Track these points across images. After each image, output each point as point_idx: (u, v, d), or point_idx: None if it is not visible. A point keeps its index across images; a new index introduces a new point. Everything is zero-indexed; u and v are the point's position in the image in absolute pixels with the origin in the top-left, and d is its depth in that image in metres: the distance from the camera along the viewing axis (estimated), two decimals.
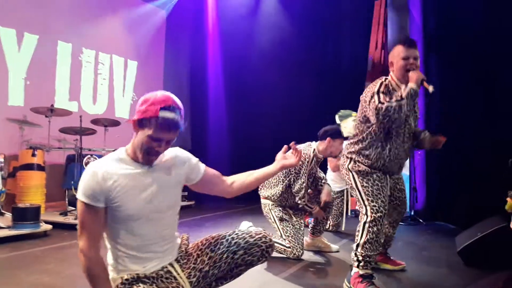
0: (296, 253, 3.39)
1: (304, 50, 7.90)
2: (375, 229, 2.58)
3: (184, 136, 8.45)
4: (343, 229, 4.75)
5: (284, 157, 2.07)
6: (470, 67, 5.46)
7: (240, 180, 2.04)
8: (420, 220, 5.50)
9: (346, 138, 3.65)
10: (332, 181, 4.88)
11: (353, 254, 2.67)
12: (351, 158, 2.76)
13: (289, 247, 3.42)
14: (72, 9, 6.31)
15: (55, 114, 5.05)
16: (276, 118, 8.18)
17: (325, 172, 5.01)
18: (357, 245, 2.63)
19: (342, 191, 4.80)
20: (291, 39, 8.05)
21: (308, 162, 3.56)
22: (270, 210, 3.66)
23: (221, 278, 1.93)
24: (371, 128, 2.67)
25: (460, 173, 5.54)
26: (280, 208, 3.64)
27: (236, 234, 1.92)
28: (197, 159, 1.97)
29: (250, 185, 2.05)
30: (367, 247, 2.60)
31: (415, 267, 3.27)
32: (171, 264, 1.83)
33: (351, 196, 5.01)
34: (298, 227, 3.54)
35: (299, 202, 3.60)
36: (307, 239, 3.79)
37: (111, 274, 1.75)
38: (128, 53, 7.38)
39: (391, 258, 3.22)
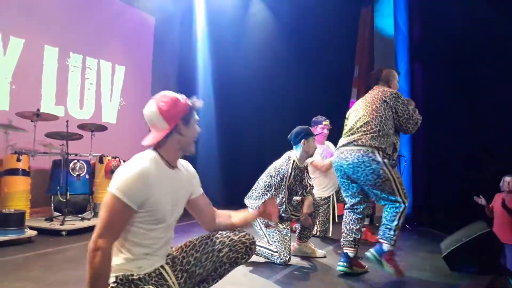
0: (283, 258, 3.40)
1: (291, 56, 7.94)
2: (405, 213, 3.00)
3: None
4: (330, 234, 4.76)
5: (264, 210, 2.19)
6: (454, 74, 5.57)
7: (224, 222, 2.09)
8: (406, 226, 5.54)
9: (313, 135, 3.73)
10: (319, 187, 4.89)
11: (391, 233, 2.97)
12: (379, 149, 2.96)
13: (276, 252, 3.42)
14: (59, 13, 6.27)
15: (41, 119, 4.99)
16: (264, 122, 8.24)
17: None
18: (396, 227, 2.96)
19: (329, 197, 4.81)
20: (279, 45, 8.11)
21: (286, 177, 3.55)
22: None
23: (205, 280, 1.99)
24: (393, 127, 3.07)
25: (446, 178, 5.63)
26: None
27: (220, 233, 2.00)
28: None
29: (231, 228, 2.08)
30: (399, 228, 2.99)
31: None
32: (162, 267, 1.85)
33: (338, 201, 5.05)
34: (284, 232, 3.54)
35: (283, 215, 3.62)
36: (294, 244, 3.80)
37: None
38: (116, 58, 7.34)
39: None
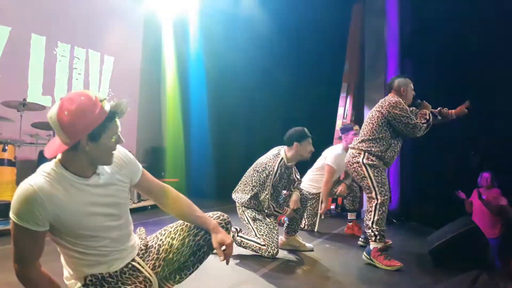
0: (271, 251, 3.41)
1: (283, 50, 7.94)
2: (383, 208, 3.31)
3: (158, 136, 8.35)
4: (316, 229, 4.79)
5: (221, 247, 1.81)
6: (444, 71, 5.60)
7: (176, 209, 1.89)
8: (394, 220, 5.60)
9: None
10: (310, 181, 4.92)
11: (369, 231, 3.31)
12: (365, 151, 3.41)
13: (263, 245, 3.43)
14: (47, 1, 6.16)
15: (28, 109, 4.92)
16: (256, 115, 8.26)
17: (307, 170, 5.05)
18: (372, 223, 3.30)
19: (318, 193, 4.83)
20: (271, 38, 8.09)
21: (272, 175, 3.53)
22: (243, 212, 3.67)
23: (185, 267, 1.91)
24: (389, 131, 3.41)
25: (433, 174, 5.68)
26: (254, 209, 3.66)
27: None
28: (137, 161, 1.82)
29: (182, 219, 1.93)
30: (380, 223, 3.29)
31: None
32: (134, 260, 1.79)
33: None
34: (272, 226, 3.54)
35: (266, 211, 3.63)
36: (282, 238, 3.81)
37: (71, 281, 1.66)
38: (105, 48, 7.24)
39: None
